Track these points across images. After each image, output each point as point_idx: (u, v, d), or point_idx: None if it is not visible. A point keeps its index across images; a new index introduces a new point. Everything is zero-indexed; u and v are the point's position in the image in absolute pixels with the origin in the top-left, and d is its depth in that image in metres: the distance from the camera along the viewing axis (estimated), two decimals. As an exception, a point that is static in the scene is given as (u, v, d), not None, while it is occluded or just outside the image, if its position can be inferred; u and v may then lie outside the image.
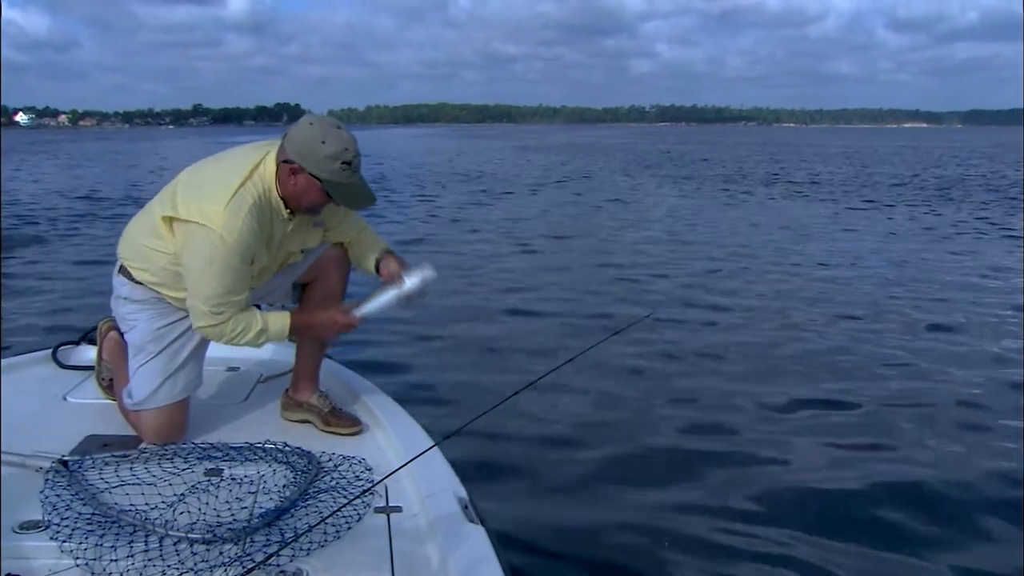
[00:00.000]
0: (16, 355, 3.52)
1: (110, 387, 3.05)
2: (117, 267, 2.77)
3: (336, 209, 2.68)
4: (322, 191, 2.51)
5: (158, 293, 2.69)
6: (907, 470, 4.15)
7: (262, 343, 2.67)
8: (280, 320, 2.65)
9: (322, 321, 2.77)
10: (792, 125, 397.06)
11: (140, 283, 2.69)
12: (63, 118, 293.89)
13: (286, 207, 2.58)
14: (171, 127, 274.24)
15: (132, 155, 46.52)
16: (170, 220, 2.52)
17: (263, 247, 2.59)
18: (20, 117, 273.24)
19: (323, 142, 2.46)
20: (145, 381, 2.71)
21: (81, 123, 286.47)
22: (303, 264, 2.86)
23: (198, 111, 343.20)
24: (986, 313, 7.61)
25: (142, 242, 2.66)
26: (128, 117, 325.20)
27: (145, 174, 28.78)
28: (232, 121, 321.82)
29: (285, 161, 2.51)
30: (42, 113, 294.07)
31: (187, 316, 2.70)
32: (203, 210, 2.44)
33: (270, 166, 2.54)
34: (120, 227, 2.82)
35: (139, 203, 2.84)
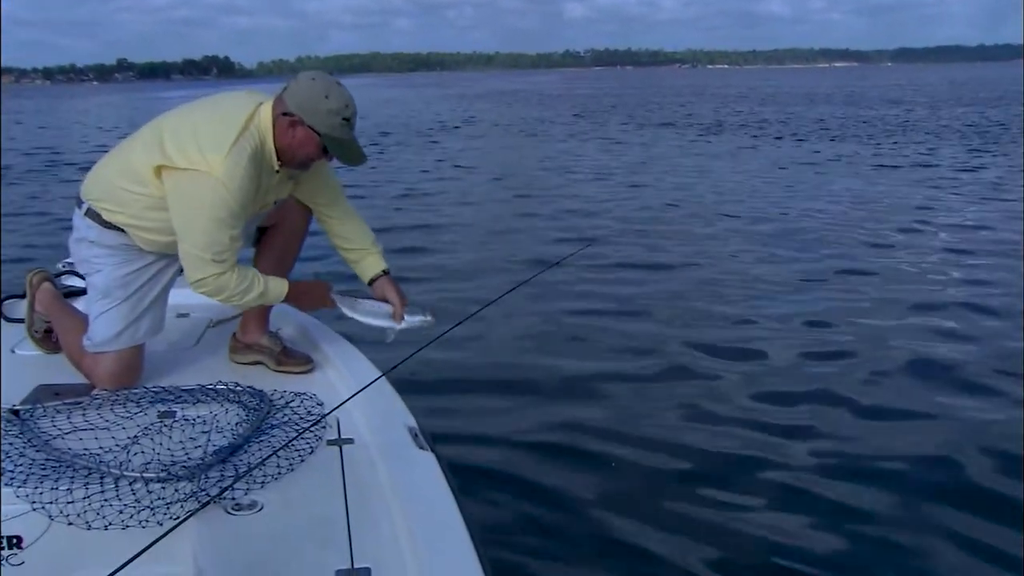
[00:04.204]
0: None
1: (44, 339, 3.05)
2: (83, 209, 2.73)
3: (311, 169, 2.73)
4: (319, 145, 2.55)
5: (128, 238, 2.69)
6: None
7: (255, 301, 2.66)
8: (280, 286, 2.67)
9: (314, 296, 2.82)
10: (726, 67, 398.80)
11: (111, 227, 2.68)
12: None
13: (278, 159, 2.60)
14: (95, 83, 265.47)
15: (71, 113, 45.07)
16: (159, 168, 2.51)
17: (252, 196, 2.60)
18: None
19: (326, 96, 2.51)
20: (109, 325, 2.71)
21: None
22: (269, 211, 2.86)
23: (123, 66, 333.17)
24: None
25: (120, 185, 2.63)
26: (49, 74, 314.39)
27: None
28: (159, 76, 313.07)
29: (285, 114, 2.53)
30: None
31: (155, 260, 2.73)
32: (204, 158, 2.44)
33: (265, 117, 2.55)
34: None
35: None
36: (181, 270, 2.68)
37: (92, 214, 2.70)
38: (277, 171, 2.64)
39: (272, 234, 2.95)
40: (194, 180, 2.46)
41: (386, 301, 2.83)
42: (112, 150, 2.78)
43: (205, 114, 2.63)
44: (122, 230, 2.68)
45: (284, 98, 2.55)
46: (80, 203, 2.75)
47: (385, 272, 2.88)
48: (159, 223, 2.61)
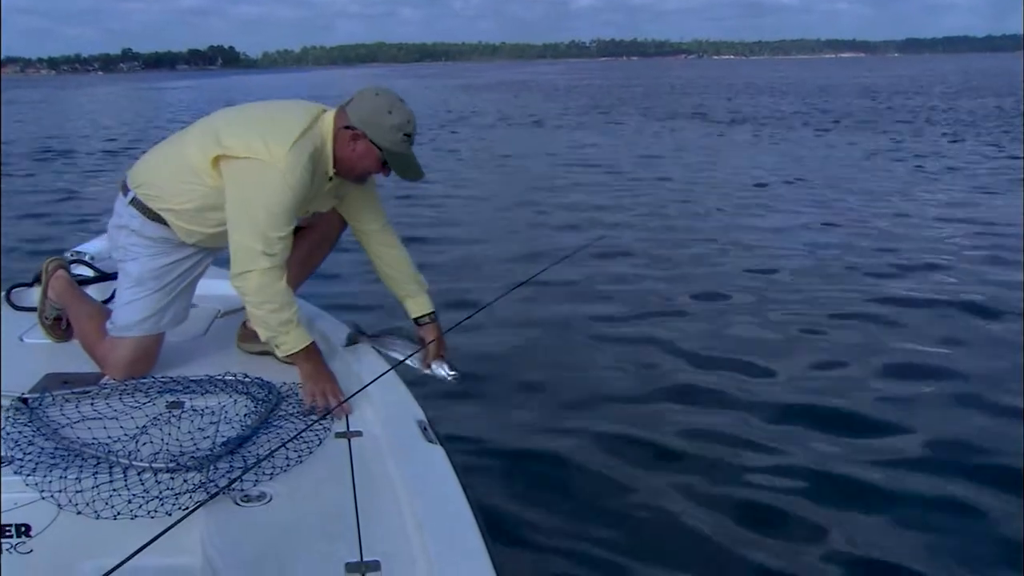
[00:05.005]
0: None
1: (53, 327, 3.03)
2: (128, 197, 2.72)
3: (359, 189, 2.78)
4: (379, 160, 2.57)
5: (169, 231, 2.70)
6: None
7: (278, 327, 2.54)
8: (303, 336, 2.58)
9: (319, 374, 2.58)
10: (732, 57, 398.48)
11: (155, 218, 2.68)
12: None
13: (334, 167, 2.62)
14: (101, 73, 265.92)
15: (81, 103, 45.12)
16: (217, 159, 2.52)
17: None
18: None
19: (389, 112, 2.54)
20: (135, 312, 2.72)
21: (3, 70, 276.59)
22: (305, 218, 2.86)
23: (128, 56, 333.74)
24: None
25: (169, 175, 2.65)
26: (54, 63, 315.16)
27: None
28: (164, 66, 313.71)
29: (347, 127, 2.55)
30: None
31: (192, 253, 2.75)
32: (268, 148, 2.45)
33: (327, 124, 2.57)
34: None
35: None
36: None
37: (137, 203, 2.71)
38: (331, 178, 2.65)
39: (302, 234, 2.88)
40: (255, 168, 2.46)
41: (422, 342, 2.86)
42: (163, 141, 2.80)
43: (265, 112, 2.67)
44: (164, 223, 2.69)
45: (347, 111, 2.57)
46: (126, 190, 2.75)
47: (431, 315, 2.90)
48: (205, 214, 2.62)
